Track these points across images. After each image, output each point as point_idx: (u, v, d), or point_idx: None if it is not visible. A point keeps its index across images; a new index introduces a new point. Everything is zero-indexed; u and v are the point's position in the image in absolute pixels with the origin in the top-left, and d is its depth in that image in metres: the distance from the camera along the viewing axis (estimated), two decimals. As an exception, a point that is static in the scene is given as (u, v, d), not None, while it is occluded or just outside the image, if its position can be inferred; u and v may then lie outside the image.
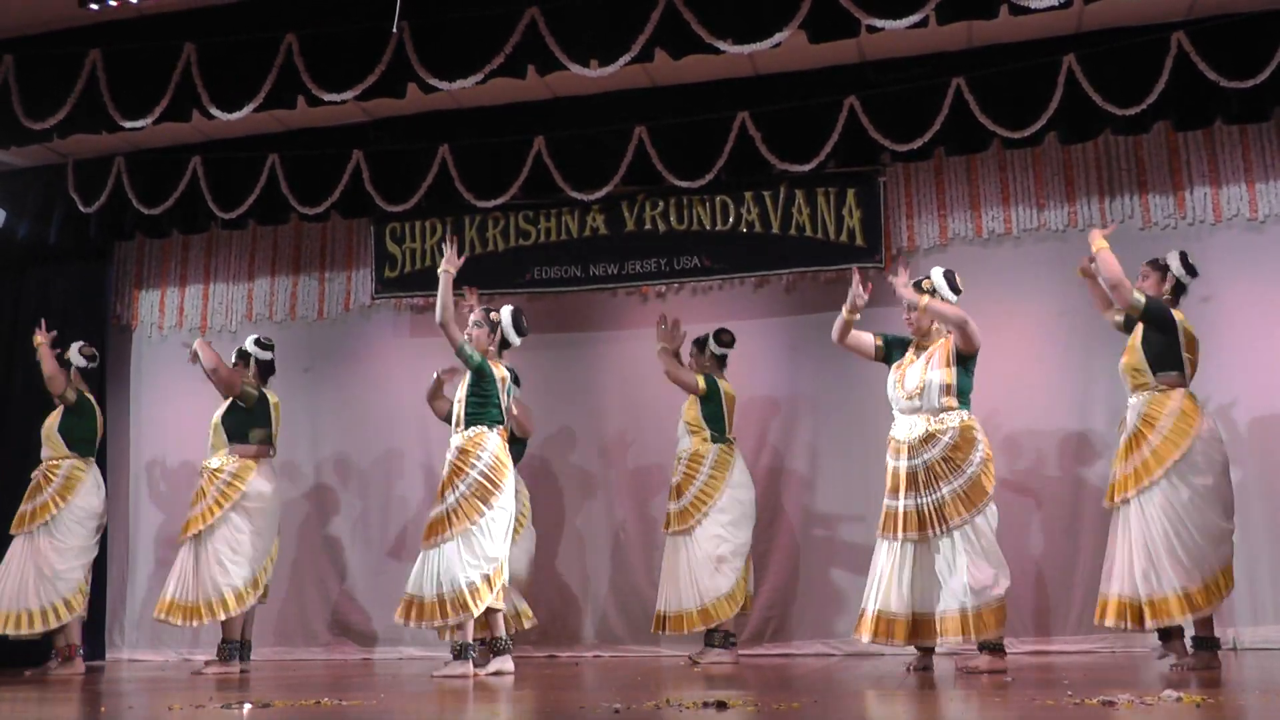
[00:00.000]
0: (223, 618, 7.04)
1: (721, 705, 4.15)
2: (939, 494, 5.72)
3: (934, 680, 5.43)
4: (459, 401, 6.41)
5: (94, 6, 6.82)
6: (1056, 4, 6.06)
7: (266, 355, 7.51)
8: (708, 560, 7.04)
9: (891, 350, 6.12)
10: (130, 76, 7.18)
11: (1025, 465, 7.06)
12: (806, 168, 7.49)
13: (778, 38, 6.39)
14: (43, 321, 7.74)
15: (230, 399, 7.34)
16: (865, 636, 5.80)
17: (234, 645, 7.09)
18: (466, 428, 6.36)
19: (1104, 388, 7.03)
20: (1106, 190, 7.57)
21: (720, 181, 7.73)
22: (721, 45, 6.46)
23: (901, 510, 5.80)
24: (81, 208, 8.40)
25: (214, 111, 7.09)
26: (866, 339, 6.15)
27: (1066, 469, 7.42)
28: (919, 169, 7.90)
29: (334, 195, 8.08)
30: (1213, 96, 6.86)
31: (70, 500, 7.58)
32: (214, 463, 7.28)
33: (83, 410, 7.80)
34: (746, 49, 6.49)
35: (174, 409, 8.63)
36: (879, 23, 6.24)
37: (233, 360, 7.45)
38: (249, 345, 7.51)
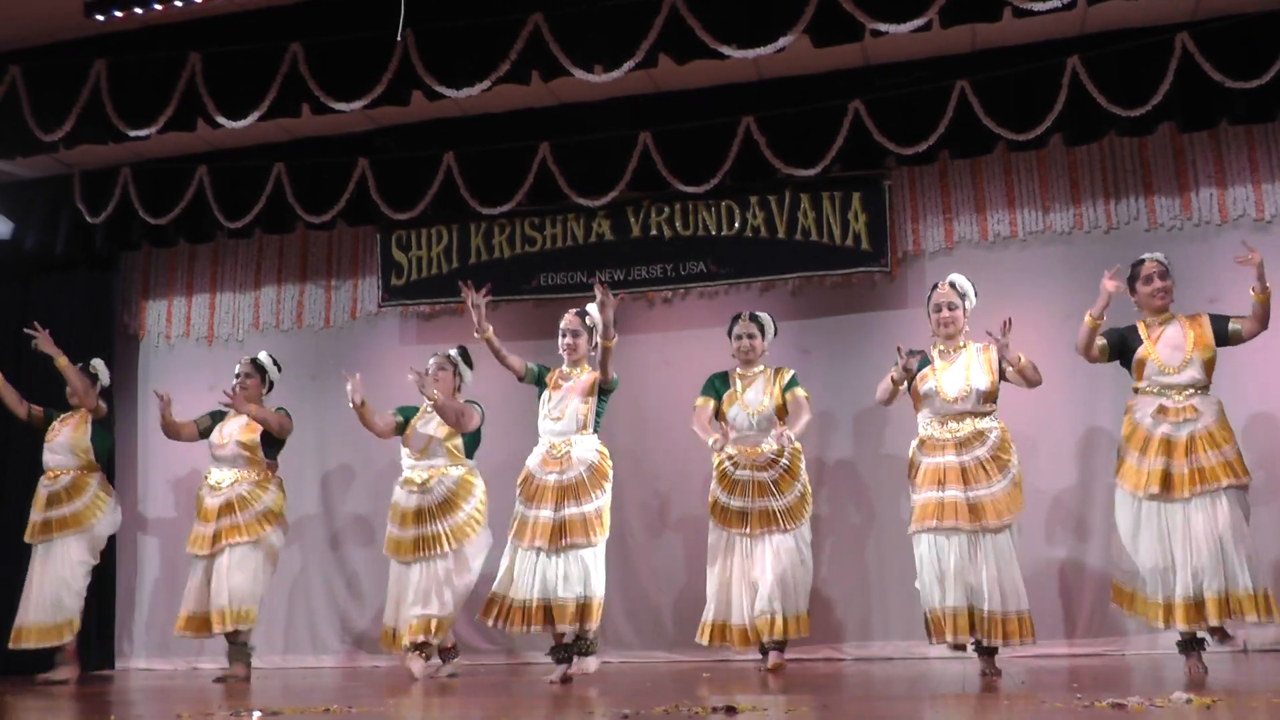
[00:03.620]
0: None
1: (731, 710, 4.16)
2: (991, 489, 5.85)
3: (966, 683, 5.41)
4: (583, 402, 6.45)
5: (99, 17, 6.84)
6: (1060, 5, 6.05)
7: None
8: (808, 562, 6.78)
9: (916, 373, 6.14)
10: (136, 86, 7.21)
11: (1032, 468, 7.02)
12: (811, 172, 7.49)
13: (782, 42, 6.39)
14: (45, 332, 7.71)
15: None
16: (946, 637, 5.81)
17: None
18: (595, 431, 6.52)
19: (1110, 390, 7.02)
20: (1112, 192, 7.56)
21: (725, 186, 7.75)
22: (725, 50, 6.47)
23: (951, 499, 5.83)
24: (88, 218, 8.45)
25: (219, 120, 7.12)
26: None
27: (1074, 472, 7.41)
28: (924, 172, 7.89)
29: (340, 203, 8.11)
30: (1218, 97, 6.84)
31: (101, 516, 7.75)
32: (253, 474, 7.47)
33: (109, 425, 8.04)
34: (751, 54, 6.49)
35: (181, 418, 8.63)
36: (883, 27, 6.24)
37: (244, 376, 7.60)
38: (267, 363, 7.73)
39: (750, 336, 6.86)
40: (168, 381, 8.93)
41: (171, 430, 7.63)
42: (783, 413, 6.74)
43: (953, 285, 6.18)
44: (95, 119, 7.24)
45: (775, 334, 7.03)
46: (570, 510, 6.22)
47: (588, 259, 8.23)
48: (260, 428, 7.45)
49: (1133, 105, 6.87)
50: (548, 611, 6.11)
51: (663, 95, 7.83)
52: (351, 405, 7.11)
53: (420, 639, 6.81)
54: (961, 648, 5.89)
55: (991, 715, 4.21)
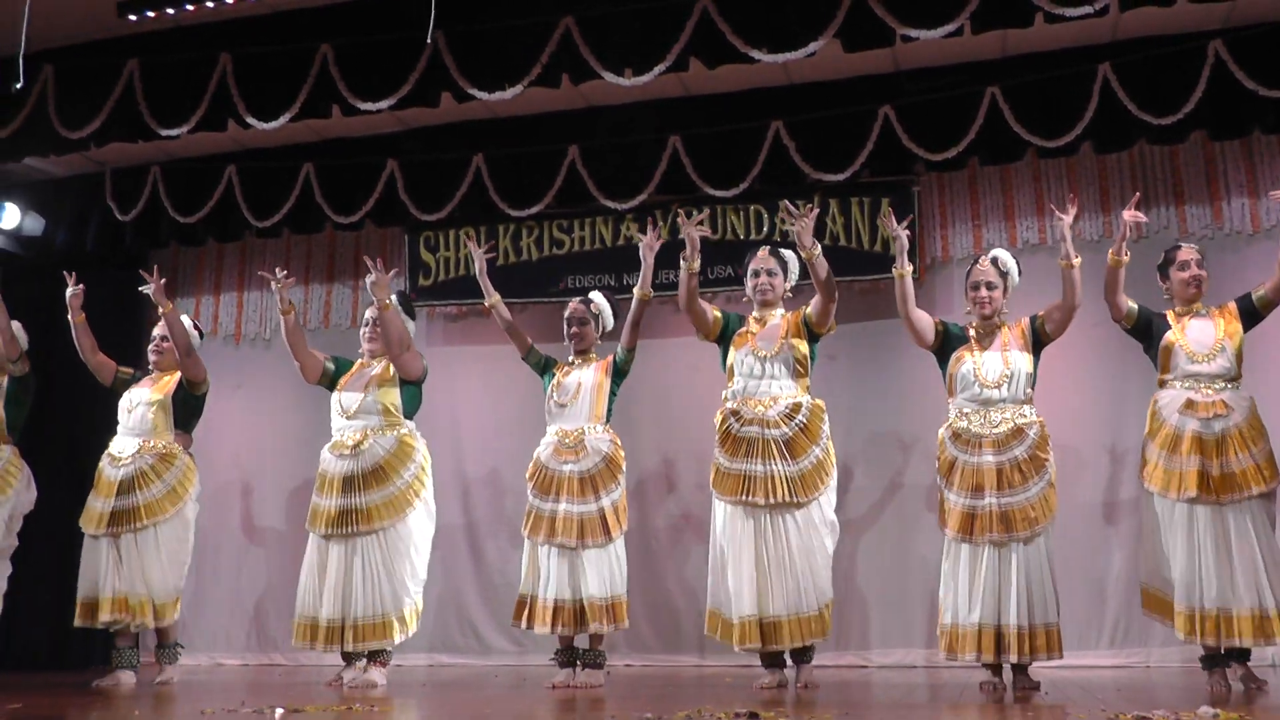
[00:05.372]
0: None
1: (753, 715, 4.14)
2: (1028, 492, 5.41)
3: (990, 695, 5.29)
4: (595, 390, 6.28)
5: (132, 17, 6.89)
6: (1092, 12, 6.00)
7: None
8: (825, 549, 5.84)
9: (950, 338, 5.73)
10: (167, 86, 7.25)
11: (1057, 477, 7.00)
12: (841, 177, 7.50)
13: (812, 47, 6.39)
14: None
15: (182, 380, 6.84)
16: (964, 655, 5.38)
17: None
18: (608, 420, 6.33)
19: (1138, 399, 6.95)
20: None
21: (754, 191, 7.76)
22: (756, 54, 6.46)
23: (985, 510, 5.39)
24: (118, 216, 8.53)
25: (249, 121, 7.15)
26: (928, 318, 5.75)
27: (1099, 481, 7.37)
28: (953, 179, 7.90)
29: (368, 204, 8.18)
30: (1250, 106, 6.82)
31: (11, 493, 6.84)
32: (160, 445, 6.73)
33: (28, 390, 7.07)
34: (781, 58, 6.49)
35: (208, 413, 8.66)
36: (914, 32, 6.22)
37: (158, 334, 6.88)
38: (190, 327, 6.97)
39: (771, 274, 6.08)
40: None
41: (88, 349, 6.86)
42: (805, 362, 5.93)
43: (994, 261, 5.76)
44: (127, 118, 7.29)
45: (799, 278, 6.20)
46: (590, 505, 6.06)
47: (616, 262, 8.26)
48: (172, 391, 6.76)
49: (1164, 113, 6.84)
50: (580, 612, 5.97)
51: (692, 99, 7.86)
52: (280, 310, 6.50)
53: (369, 647, 6.16)
54: (994, 667, 5.44)
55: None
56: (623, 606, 6.12)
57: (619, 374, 6.39)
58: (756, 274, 6.11)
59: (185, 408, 6.85)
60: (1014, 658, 5.33)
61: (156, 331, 6.94)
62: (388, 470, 6.25)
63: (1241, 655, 5.44)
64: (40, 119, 7.36)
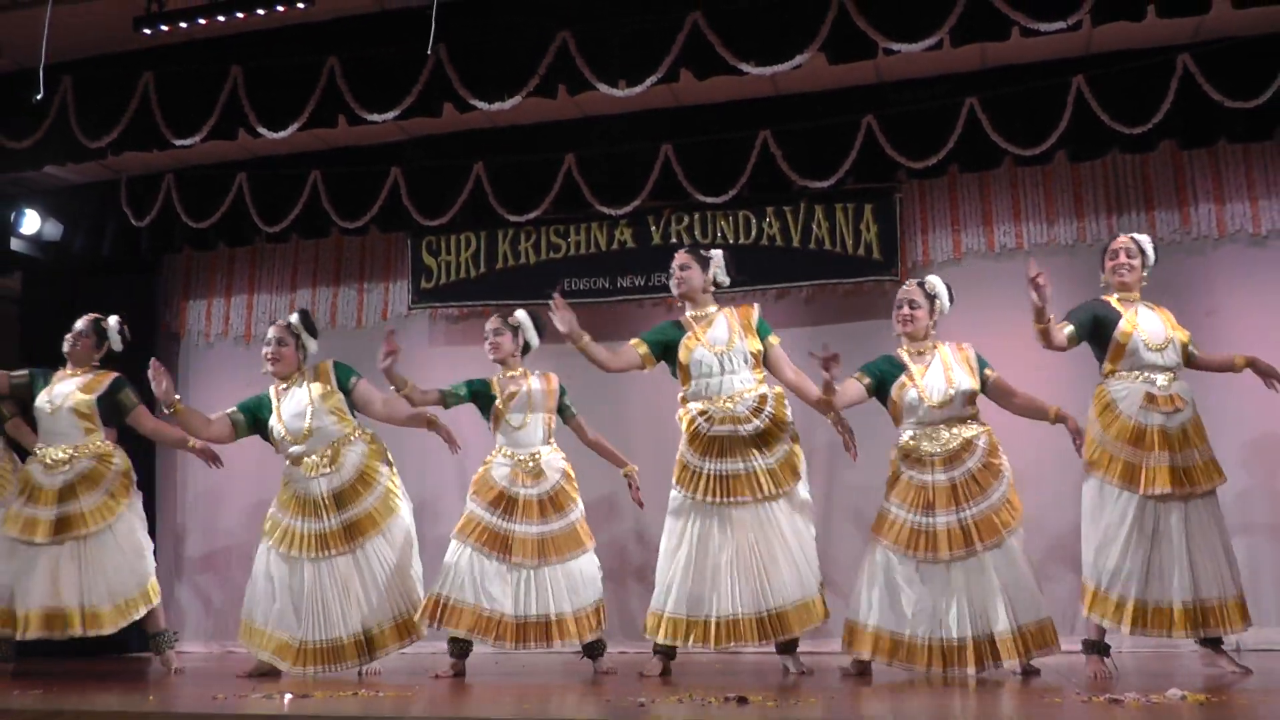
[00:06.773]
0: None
1: (743, 700, 4.21)
2: (989, 499, 5.39)
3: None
4: (549, 414, 6.33)
5: (147, 31, 6.99)
6: (1065, 26, 6.19)
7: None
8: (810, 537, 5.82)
9: (881, 379, 5.70)
10: (181, 97, 7.43)
11: (1030, 474, 7.10)
12: (826, 184, 7.70)
13: (798, 60, 6.57)
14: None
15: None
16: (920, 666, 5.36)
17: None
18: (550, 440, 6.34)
19: (1075, 388, 7.13)
20: (1114, 206, 7.77)
21: (743, 197, 7.97)
22: (744, 67, 6.64)
23: (944, 528, 5.36)
24: (133, 222, 8.75)
25: (260, 130, 7.31)
26: (854, 390, 5.66)
27: (1071, 478, 7.54)
28: (934, 185, 8.11)
29: (373, 210, 8.39)
30: (1217, 116, 7.05)
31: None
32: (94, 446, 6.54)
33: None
34: (768, 70, 6.67)
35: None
36: (896, 45, 6.39)
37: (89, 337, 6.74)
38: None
39: (683, 268, 5.98)
40: (207, 378, 9.25)
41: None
42: (759, 355, 5.86)
43: (921, 285, 5.74)
44: (143, 127, 7.46)
45: (730, 275, 6.11)
46: (554, 524, 6.06)
47: (610, 265, 8.47)
48: (96, 390, 6.53)
49: (1135, 123, 7.06)
50: (550, 628, 5.94)
51: (683, 109, 8.05)
52: (166, 408, 6.12)
53: (401, 649, 6.20)
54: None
55: (991, 708, 4.31)
56: (599, 613, 6.15)
57: (562, 406, 6.47)
58: (672, 272, 6.04)
59: (114, 413, 6.66)
60: (1016, 664, 5.29)
61: (78, 325, 6.74)
62: (370, 474, 6.20)
63: (1214, 642, 5.45)
64: (60, 129, 7.54)
